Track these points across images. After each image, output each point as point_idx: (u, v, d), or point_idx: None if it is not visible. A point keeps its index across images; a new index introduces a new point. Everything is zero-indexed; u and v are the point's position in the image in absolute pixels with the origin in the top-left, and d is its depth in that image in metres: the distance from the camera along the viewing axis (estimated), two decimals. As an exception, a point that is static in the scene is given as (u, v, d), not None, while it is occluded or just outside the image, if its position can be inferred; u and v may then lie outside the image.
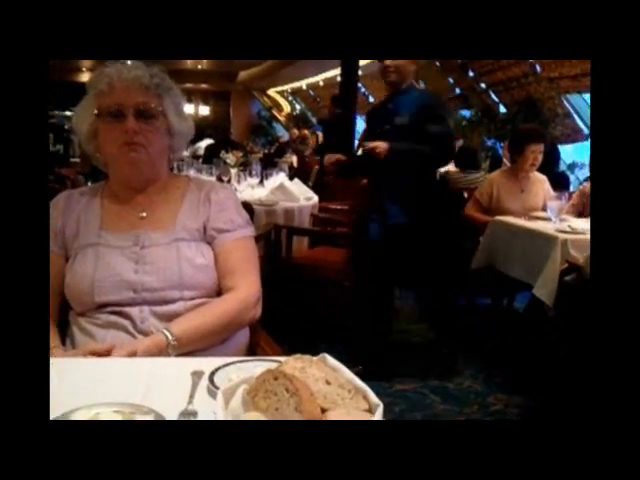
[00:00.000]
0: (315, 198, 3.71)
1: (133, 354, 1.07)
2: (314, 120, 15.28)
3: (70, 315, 1.26)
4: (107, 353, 1.09)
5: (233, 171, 4.03)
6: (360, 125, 9.75)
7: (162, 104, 1.27)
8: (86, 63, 16.89)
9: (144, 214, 1.29)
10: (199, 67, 15.13)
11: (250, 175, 3.73)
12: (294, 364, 0.79)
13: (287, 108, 18.82)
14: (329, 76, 9.62)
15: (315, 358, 0.82)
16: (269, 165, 4.73)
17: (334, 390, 0.75)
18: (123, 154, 1.24)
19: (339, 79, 7.37)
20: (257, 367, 0.94)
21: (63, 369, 0.97)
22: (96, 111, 1.24)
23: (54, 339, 1.19)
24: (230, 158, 4.25)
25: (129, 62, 1.30)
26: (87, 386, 0.92)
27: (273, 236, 2.66)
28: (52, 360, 0.97)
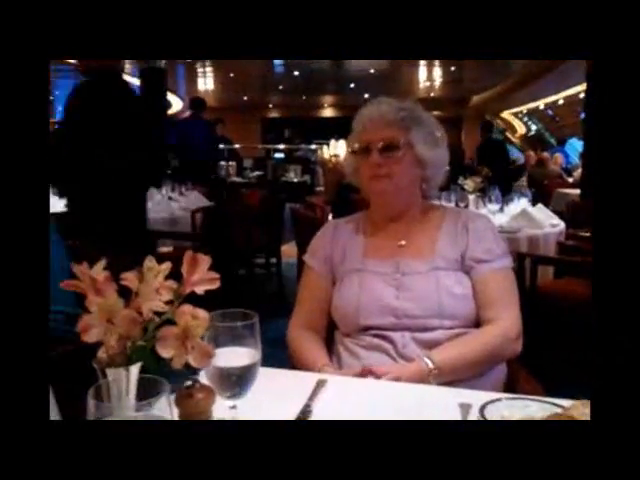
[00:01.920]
0: (562, 225, 3.44)
1: (398, 379, 1.12)
2: (552, 141, 14.31)
3: (336, 335, 1.37)
4: (366, 373, 1.16)
5: (471, 197, 3.97)
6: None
7: (408, 136, 1.31)
8: (327, 99, 17.97)
9: (403, 242, 1.35)
10: (431, 95, 15.37)
11: (490, 201, 3.62)
12: (582, 410, 0.73)
13: (521, 129, 17.96)
14: (570, 93, 8.95)
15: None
16: (506, 190, 4.54)
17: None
18: (372, 186, 1.34)
19: (582, 95, 6.81)
20: (528, 406, 0.90)
21: (336, 386, 1.06)
22: (354, 149, 1.35)
23: (324, 357, 1.29)
24: (468, 184, 4.18)
25: (382, 99, 1.38)
26: (359, 403, 0.99)
27: (516, 265, 2.54)
28: (326, 376, 1.07)
